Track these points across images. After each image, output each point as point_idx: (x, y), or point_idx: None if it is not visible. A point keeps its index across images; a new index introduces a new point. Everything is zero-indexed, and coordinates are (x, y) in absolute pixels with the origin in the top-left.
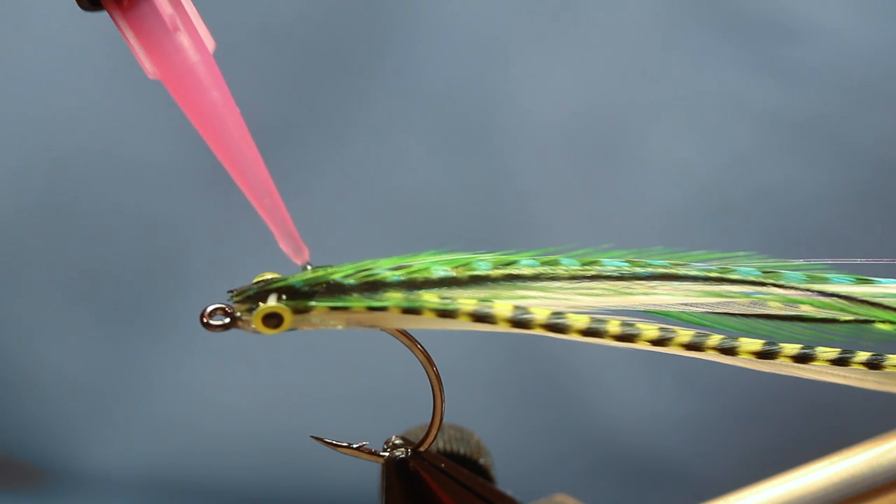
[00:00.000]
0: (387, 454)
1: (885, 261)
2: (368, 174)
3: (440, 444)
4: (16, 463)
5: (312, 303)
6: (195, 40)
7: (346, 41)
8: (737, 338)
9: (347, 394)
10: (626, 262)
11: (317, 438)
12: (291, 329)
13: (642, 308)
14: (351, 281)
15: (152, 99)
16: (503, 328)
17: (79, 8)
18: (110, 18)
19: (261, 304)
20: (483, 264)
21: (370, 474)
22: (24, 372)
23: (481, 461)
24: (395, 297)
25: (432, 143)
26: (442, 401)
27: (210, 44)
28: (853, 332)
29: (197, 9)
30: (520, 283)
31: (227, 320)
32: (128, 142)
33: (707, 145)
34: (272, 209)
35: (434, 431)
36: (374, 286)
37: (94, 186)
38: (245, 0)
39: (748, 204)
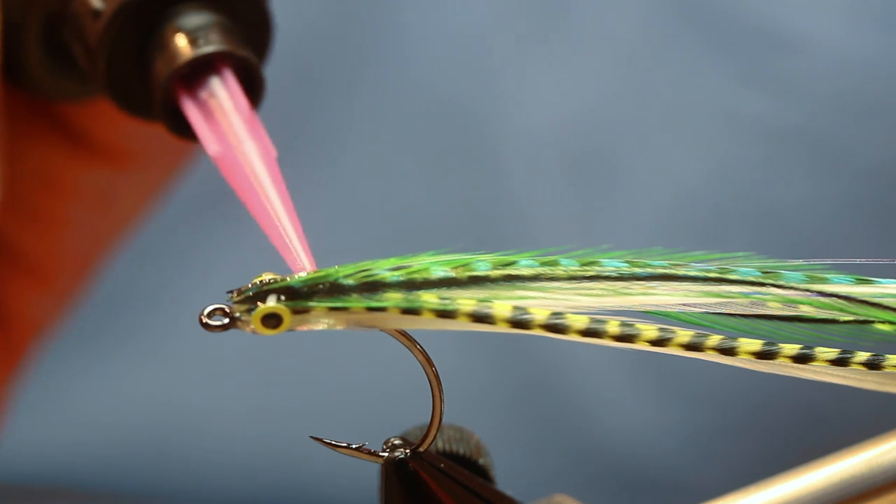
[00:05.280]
0: (386, 454)
1: (884, 261)
2: (362, 188)
3: (440, 445)
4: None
5: (312, 303)
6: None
7: (337, 56)
8: (736, 338)
9: (347, 394)
10: (626, 262)
11: (316, 439)
12: (290, 330)
13: (641, 308)
14: (350, 281)
15: None
16: (502, 328)
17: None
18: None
19: (260, 304)
20: (482, 265)
21: (370, 475)
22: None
23: (481, 461)
24: (394, 298)
25: (425, 155)
26: (441, 401)
27: (272, 151)
28: (853, 333)
29: None
30: (519, 284)
31: (227, 321)
32: None
33: (697, 155)
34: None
35: (433, 432)
36: (373, 287)
37: None
38: None
39: (738, 213)
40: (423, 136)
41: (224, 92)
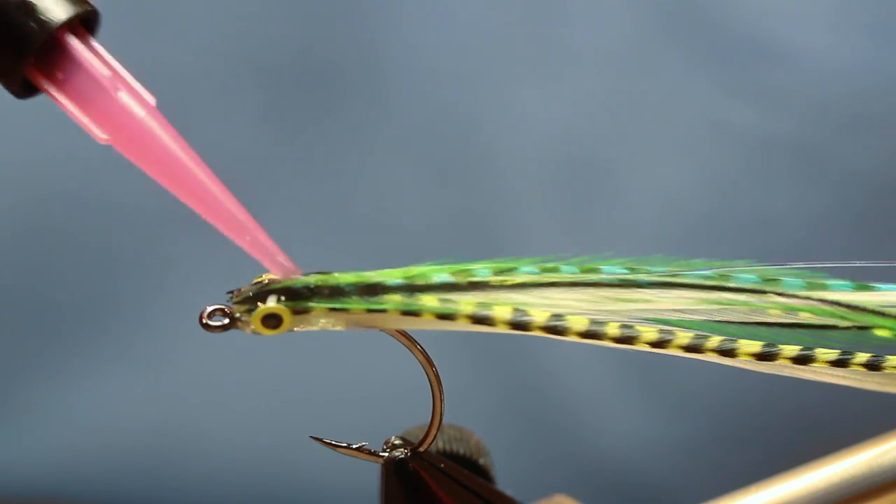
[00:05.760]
0: (386, 454)
1: (884, 263)
2: (354, 203)
3: (440, 445)
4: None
5: (312, 304)
6: (135, 97)
7: (330, 71)
8: (736, 339)
9: (347, 394)
10: (626, 269)
11: (316, 439)
12: (290, 330)
13: (641, 316)
14: (351, 284)
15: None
16: (502, 330)
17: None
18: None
19: (260, 304)
20: (482, 271)
21: (369, 475)
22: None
23: (481, 461)
24: (394, 300)
25: (419, 166)
26: (441, 401)
27: (150, 98)
28: (852, 339)
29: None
30: (519, 290)
31: (227, 321)
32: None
33: (685, 164)
34: (255, 243)
35: (433, 432)
36: (373, 289)
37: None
38: (226, 34)
39: (726, 221)
40: (417, 146)
41: (89, 60)
